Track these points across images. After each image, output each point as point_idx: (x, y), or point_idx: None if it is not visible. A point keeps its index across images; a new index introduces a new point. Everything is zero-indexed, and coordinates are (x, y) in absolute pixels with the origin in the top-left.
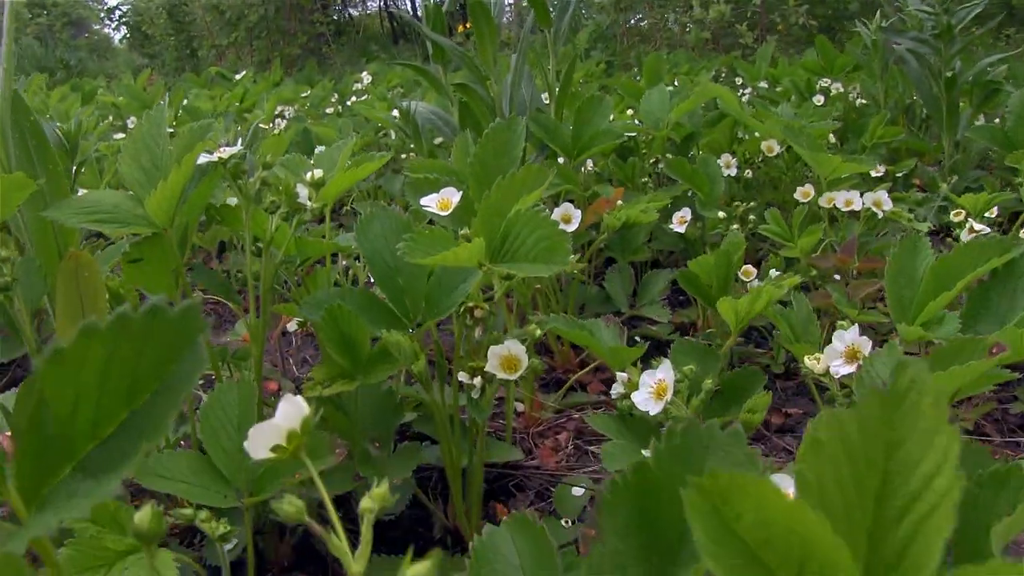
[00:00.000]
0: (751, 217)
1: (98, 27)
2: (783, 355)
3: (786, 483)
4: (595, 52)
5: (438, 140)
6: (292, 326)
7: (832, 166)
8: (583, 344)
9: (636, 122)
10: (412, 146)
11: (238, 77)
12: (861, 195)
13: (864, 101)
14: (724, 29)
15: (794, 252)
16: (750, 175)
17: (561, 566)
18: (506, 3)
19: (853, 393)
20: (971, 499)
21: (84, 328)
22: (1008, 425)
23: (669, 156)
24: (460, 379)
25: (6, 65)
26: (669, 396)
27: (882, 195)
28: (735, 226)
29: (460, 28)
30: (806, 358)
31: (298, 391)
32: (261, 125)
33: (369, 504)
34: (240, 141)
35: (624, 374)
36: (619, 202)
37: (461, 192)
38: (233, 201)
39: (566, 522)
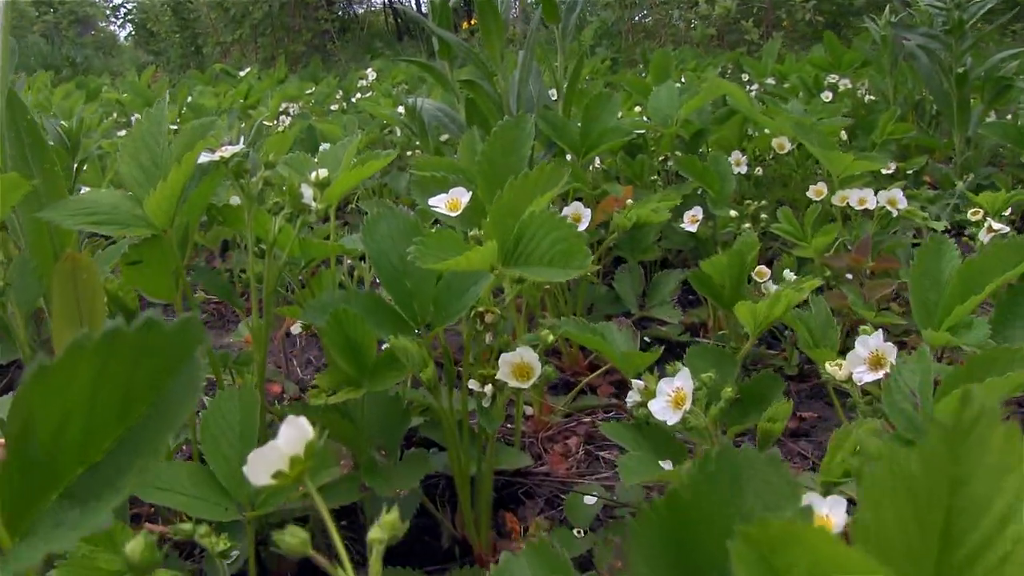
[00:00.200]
0: (763, 216)
1: (104, 25)
2: (796, 357)
3: (837, 507)
4: (600, 49)
5: (444, 137)
6: (296, 329)
7: (845, 164)
8: (595, 349)
9: (644, 119)
10: (418, 143)
11: (242, 74)
12: (875, 193)
13: (873, 97)
14: (729, 25)
15: (808, 252)
16: (760, 173)
17: None
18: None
19: (876, 401)
20: None
21: (72, 344)
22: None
23: (678, 153)
24: (470, 387)
25: (1, 63)
26: (688, 405)
27: (897, 193)
28: (747, 225)
29: (465, 25)
30: (827, 364)
31: (302, 393)
32: (265, 122)
33: (379, 534)
34: (243, 139)
35: (640, 382)
36: (629, 201)
37: (471, 192)
38: (236, 200)
39: (578, 532)
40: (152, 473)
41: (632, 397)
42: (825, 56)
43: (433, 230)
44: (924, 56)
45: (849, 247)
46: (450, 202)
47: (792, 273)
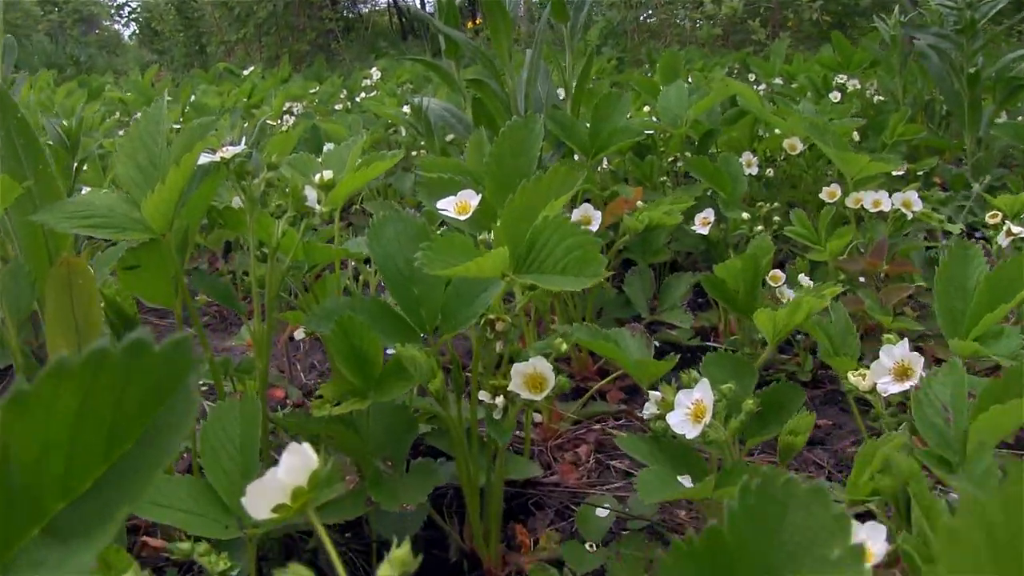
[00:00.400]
0: (776, 218)
1: (108, 23)
2: (810, 362)
3: (876, 534)
4: (605, 49)
5: (449, 137)
6: (299, 334)
7: (860, 166)
8: (608, 356)
9: (653, 119)
10: (423, 143)
11: (246, 73)
12: (890, 195)
13: (881, 98)
14: (735, 25)
15: (822, 256)
16: (771, 174)
17: None
18: None
19: (901, 412)
20: None
21: (53, 367)
22: None
23: (688, 154)
24: (481, 399)
25: None
26: (708, 419)
27: (912, 195)
28: (759, 228)
29: (469, 24)
30: (850, 374)
31: (305, 398)
32: (269, 122)
33: (388, 572)
34: (245, 139)
35: (657, 393)
36: (639, 203)
37: (480, 195)
38: (237, 202)
39: (590, 546)
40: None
41: (649, 409)
42: (834, 56)
43: (441, 234)
44: (935, 56)
45: (862, 250)
46: (459, 205)
47: (807, 277)
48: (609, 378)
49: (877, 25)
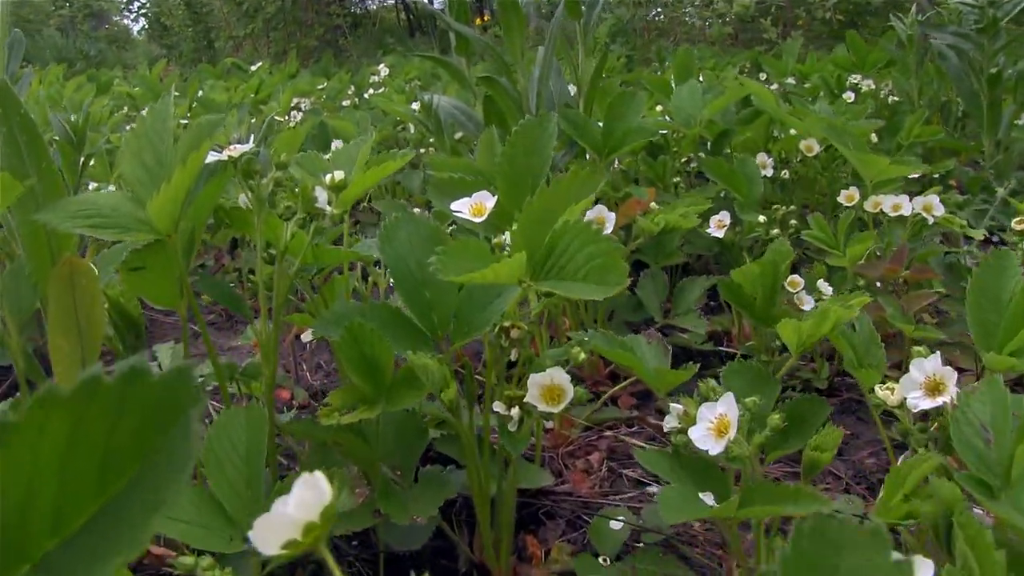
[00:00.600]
0: (793, 222)
1: (118, 19)
2: (826, 369)
3: (925, 571)
4: (614, 46)
5: (458, 135)
6: (307, 336)
7: (879, 168)
8: (625, 365)
9: (666, 119)
10: (432, 140)
11: (253, 68)
12: (910, 199)
13: (897, 98)
14: (745, 24)
15: (841, 261)
16: (787, 175)
17: None
18: None
19: (931, 429)
20: None
21: (42, 396)
22: None
23: (703, 155)
24: (496, 410)
25: None
26: (732, 434)
27: (933, 199)
28: (775, 231)
29: (478, 21)
30: (877, 388)
31: (312, 399)
32: (276, 117)
33: None
34: (253, 137)
35: (679, 406)
36: (653, 204)
37: (495, 197)
38: (243, 200)
39: (604, 560)
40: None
41: (670, 422)
42: (848, 56)
43: (457, 239)
44: (954, 56)
45: (878, 254)
46: (474, 207)
47: (826, 283)
48: (622, 385)
49: (893, 24)
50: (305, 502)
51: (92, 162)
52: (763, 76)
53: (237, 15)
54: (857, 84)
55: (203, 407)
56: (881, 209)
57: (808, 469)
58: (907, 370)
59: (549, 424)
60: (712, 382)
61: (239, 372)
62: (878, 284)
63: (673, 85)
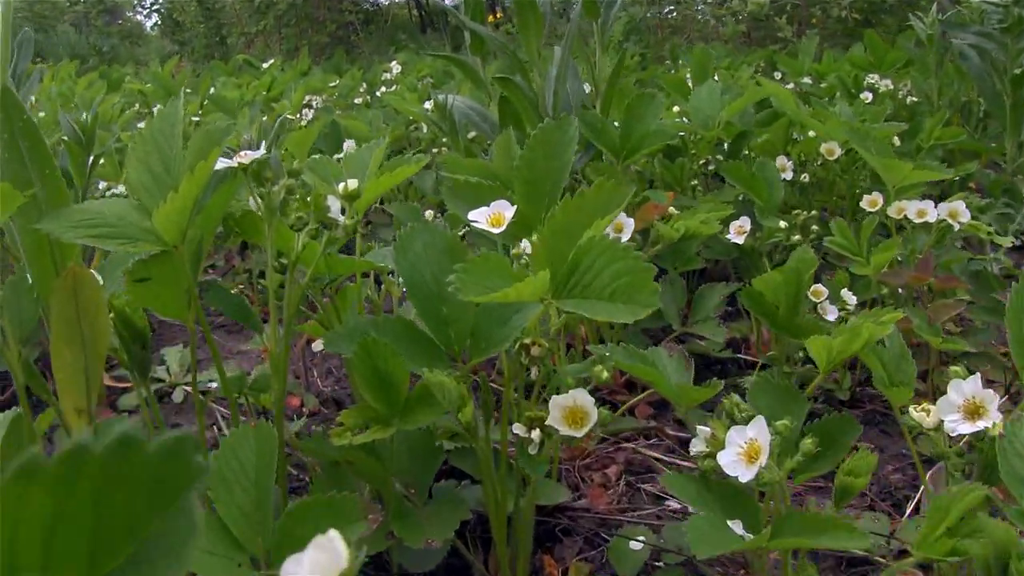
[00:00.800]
0: (814, 227)
1: (131, 14)
2: (848, 379)
3: None
4: (628, 44)
5: (471, 134)
6: (318, 346)
7: (903, 173)
8: (648, 381)
9: (684, 120)
10: (445, 140)
11: (265, 66)
12: (935, 204)
13: (915, 99)
14: (758, 22)
15: (865, 269)
16: (807, 179)
17: None
18: None
19: (968, 452)
20: None
21: (22, 468)
22: None
23: (720, 158)
24: (516, 432)
25: None
26: (764, 460)
27: (959, 205)
28: (796, 236)
29: (491, 19)
30: (912, 409)
31: (322, 406)
32: (288, 116)
33: None
34: (264, 141)
35: (706, 428)
36: (671, 209)
37: (515, 207)
38: (253, 203)
39: None
40: None
41: (696, 446)
42: (866, 55)
43: (477, 255)
44: (975, 56)
45: (899, 259)
46: (492, 217)
47: (850, 293)
48: (639, 397)
49: (912, 23)
50: (320, 565)
51: (102, 161)
52: (778, 75)
53: (249, 11)
54: (875, 84)
55: (204, 482)
56: (905, 215)
57: (841, 495)
58: (932, 382)
59: None
60: (736, 397)
61: (248, 386)
62: (900, 291)
63: (690, 85)
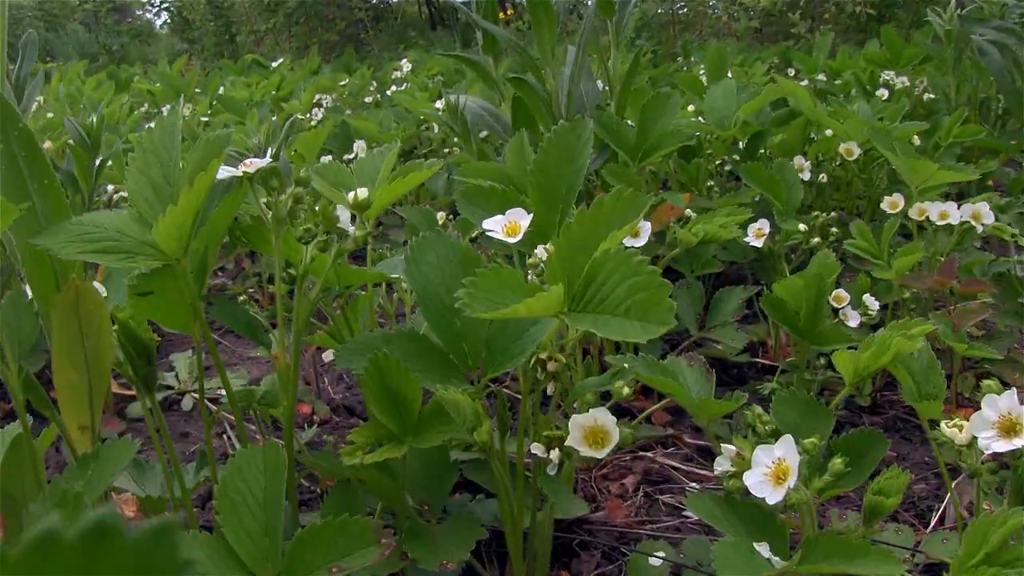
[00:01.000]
0: (833, 229)
1: (140, 13)
2: (869, 385)
3: None
4: (640, 41)
5: (483, 133)
6: (328, 356)
7: (926, 174)
8: (669, 393)
9: (699, 120)
10: (456, 140)
11: (274, 65)
12: (958, 206)
13: (932, 96)
14: (770, 18)
15: (887, 273)
16: (825, 179)
17: None
18: None
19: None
20: None
21: None
22: None
23: (736, 158)
24: (534, 452)
25: None
26: (792, 482)
27: (983, 207)
28: (816, 239)
29: (501, 16)
30: (943, 424)
31: (334, 413)
32: (298, 116)
33: None
34: (272, 146)
35: (732, 447)
36: (688, 211)
37: (530, 215)
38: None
39: None
40: None
41: (721, 465)
42: (882, 51)
43: (489, 267)
44: (996, 52)
45: (919, 262)
46: (508, 226)
47: (873, 298)
48: (658, 405)
49: (929, 19)
50: None
51: (109, 164)
52: (791, 72)
53: (258, 9)
54: (890, 81)
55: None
56: (927, 217)
57: (870, 515)
58: (956, 387)
59: None
60: (758, 409)
61: (256, 400)
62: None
63: (704, 83)
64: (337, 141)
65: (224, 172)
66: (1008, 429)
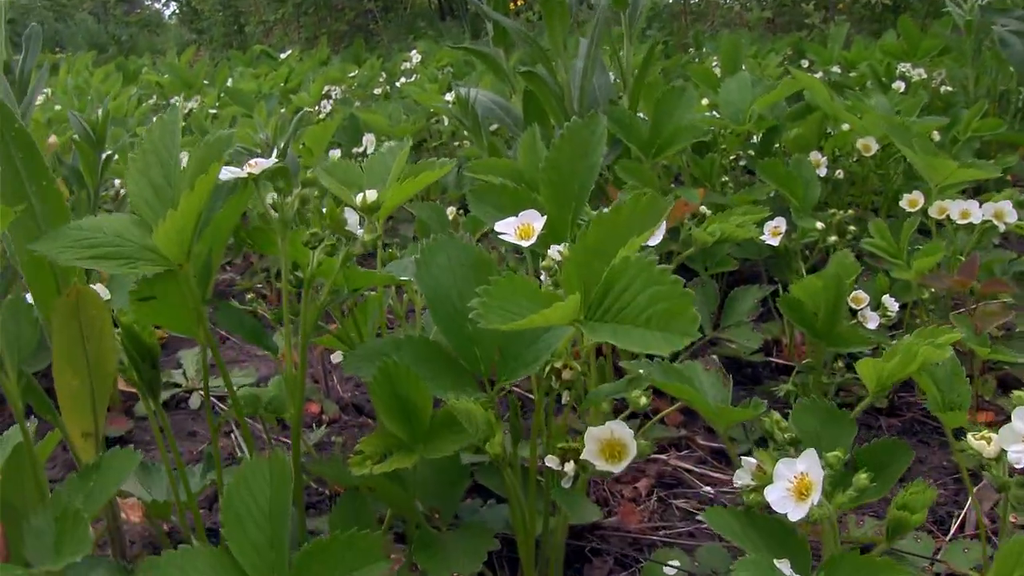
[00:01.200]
0: (851, 227)
1: (149, 3)
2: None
3: None
4: (651, 31)
5: (493, 126)
6: (337, 358)
7: (947, 172)
8: (685, 399)
9: (714, 114)
10: (467, 133)
11: (283, 56)
12: (980, 204)
13: (950, 88)
14: (783, 7)
15: (906, 274)
16: (841, 175)
17: None
18: None
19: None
20: None
21: None
22: None
23: (752, 153)
24: (548, 464)
25: None
26: (816, 498)
27: (1005, 205)
28: (833, 238)
29: (511, 6)
30: (971, 436)
31: (343, 412)
32: (307, 109)
33: None
34: (278, 144)
35: (752, 460)
36: (703, 208)
37: (544, 216)
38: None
39: None
40: (166, 553)
41: (741, 478)
42: (899, 42)
43: (503, 274)
44: (1018, 42)
45: (938, 262)
46: (521, 228)
47: (892, 299)
48: (671, 408)
49: (949, 8)
50: None
51: (116, 158)
52: (805, 63)
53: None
54: (907, 73)
55: None
56: (948, 215)
57: (894, 530)
58: (976, 390)
59: None
60: (776, 416)
61: (263, 406)
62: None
63: (718, 76)
64: (346, 134)
65: (228, 173)
66: None
